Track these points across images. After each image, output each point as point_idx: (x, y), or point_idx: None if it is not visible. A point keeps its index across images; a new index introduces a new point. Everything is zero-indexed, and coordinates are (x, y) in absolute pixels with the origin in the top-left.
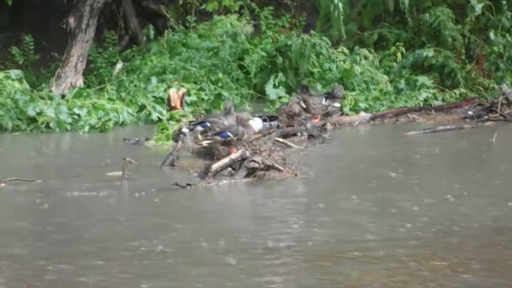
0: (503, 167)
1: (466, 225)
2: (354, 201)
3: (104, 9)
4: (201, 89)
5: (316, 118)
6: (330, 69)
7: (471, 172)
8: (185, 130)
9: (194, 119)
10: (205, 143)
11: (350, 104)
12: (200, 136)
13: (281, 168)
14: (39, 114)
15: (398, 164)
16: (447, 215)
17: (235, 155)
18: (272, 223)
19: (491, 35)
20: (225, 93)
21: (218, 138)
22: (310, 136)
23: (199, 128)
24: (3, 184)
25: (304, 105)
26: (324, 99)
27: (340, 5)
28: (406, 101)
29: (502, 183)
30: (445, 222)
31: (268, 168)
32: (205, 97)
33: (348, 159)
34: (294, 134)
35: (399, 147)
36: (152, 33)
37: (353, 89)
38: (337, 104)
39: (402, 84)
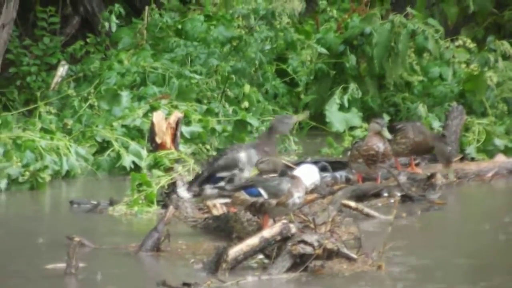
0: None
1: None
2: None
3: None
4: (209, 111)
5: (416, 165)
6: (442, 77)
7: None
8: (181, 187)
9: (199, 167)
10: (218, 206)
11: (478, 140)
12: (208, 196)
13: (354, 255)
14: None
15: None
16: None
17: (270, 231)
18: None
19: None
20: (253, 120)
21: (243, 195)
22: (406, 198)
23: (209, 186)
24: None
25: (389, 136)
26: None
27: None
28: None
29: None
30: None
31: (330, 255)
32: (218, 127)
33: (472, 243)
34: (377, 194)
35: None
36: (113, 19)
37: (484, 114)
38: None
39: None
